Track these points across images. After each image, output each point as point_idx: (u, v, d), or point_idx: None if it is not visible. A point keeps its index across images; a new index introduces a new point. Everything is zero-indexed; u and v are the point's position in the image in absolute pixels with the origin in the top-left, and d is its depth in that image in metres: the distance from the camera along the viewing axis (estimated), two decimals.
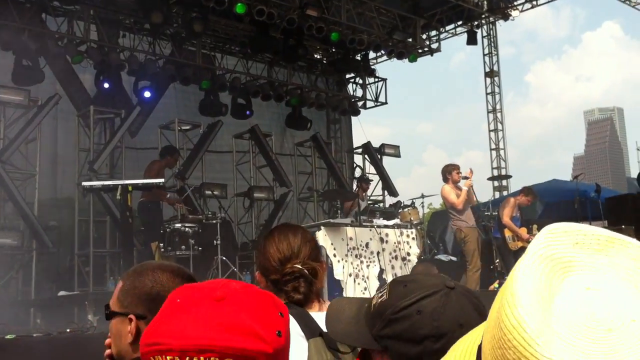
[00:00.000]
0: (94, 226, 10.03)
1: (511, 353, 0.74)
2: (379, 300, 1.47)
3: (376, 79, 15.45)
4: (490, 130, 18.07)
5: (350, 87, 15.76)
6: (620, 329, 0.73)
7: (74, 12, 11.03)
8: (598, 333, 0.73)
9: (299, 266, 2.41)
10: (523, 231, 10.59)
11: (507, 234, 10.69)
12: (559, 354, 0.71)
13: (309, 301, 2.41)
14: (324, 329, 2.25)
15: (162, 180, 9.47)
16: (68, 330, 7.39)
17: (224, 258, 9.45)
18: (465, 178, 10.03)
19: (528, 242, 9.02)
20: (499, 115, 17.89)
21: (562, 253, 0.80)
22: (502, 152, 18.02)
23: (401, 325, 1.41)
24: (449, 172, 10.18)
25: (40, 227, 9.43)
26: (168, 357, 1.04)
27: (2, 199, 9.37)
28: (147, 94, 11.74)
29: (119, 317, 2.04)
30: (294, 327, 2.28)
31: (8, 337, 6.24)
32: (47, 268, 9.21)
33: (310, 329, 2.28)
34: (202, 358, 1.02)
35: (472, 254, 9.87)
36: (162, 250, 9.19)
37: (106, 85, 11.13)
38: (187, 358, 1.03)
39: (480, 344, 0.87)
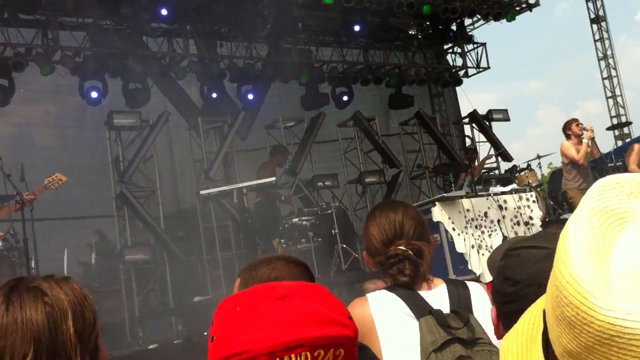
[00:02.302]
0: (217, 231, 10.41)
1: (569, 310, 0.72)
2: None
3: (475, 45, 15.06)
4: (603, 78, 17.19)
5: (449, 57, 15.43)
6: None
7: (172, 31, 11.51)
8: None
9: (403, 247, 2.36)
10: None
11: None
12: (618, 305, 0.68)
13: (416, 283, 2.38)
14: (434, 307, 2.30)
15: (273, 178, 9.73)
16: (205, 333, 7.79)
17: (345, 246, 9.55)
18: (585, 130, 9.68)
19: None
20: (611, 61, 16.97)
21: (616, 204, 0.76)
22: (619, 98, 17.09)
23: (504, 261, 1.54)
24: (568, 127, 9.83)
25: (168, 239, 9.93)
26: None
27: (131, 217, 9.94)
28: (250, 97, 12.06)
29: None
30: (402, 307, 2.31)
31: (150, 347, 6.66)
32: (181, 277, 9.67)
33: (419, 308, 2.28)
34: (292, 356, 0.97)
35: None
36: (284, 245, 9.45)
37: (214, 95, 11.52)
38: (278, 359, 0.97)
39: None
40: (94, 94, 10.28)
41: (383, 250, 2.40)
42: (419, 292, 2.37)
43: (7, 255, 7.28)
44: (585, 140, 9.58)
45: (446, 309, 2.29)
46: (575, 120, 9.88)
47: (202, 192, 9.65)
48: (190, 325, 8.72)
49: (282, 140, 11.80)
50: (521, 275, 1.46)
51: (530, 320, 0.93)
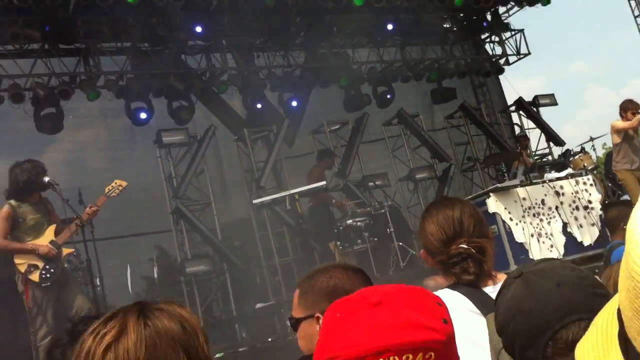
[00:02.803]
0: (274, 238, 10.49)
1: None
2: None
3: (513, 32, 14.85)
4: None
5: (488, 47, 15.23)
6: None
7: (209, 47, 11.61)
8: None
9: (465, 246, 2.34)
10: None
11: None
12: None
13: (481, 280, 2.36)
14: None
15: (324, 182, 9.76)
16: (269, 339, 7.81)
17: (401, 244, 9.51)
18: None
19: None
20: None
21: None
22: None
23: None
24: (625, 110, 9.54)
25: (227, 249, 10.08)
26: None
27: (188, 230, 10.08)
28: (294, 104, 12.12)
29: (305, 321, 2.09)
30: (468, 305, 2.29)
31: (217, 355, 6.70)
32: (241, 285, 9.81)
33: (485, 305, 2.25)
34: None
35: (633, 195, 9.20)
36: (340, 248, 9.42)
37: (258, 106, 11.64)
38: None
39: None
40: (143, 115, 10.46)
41: (444, 250, 2.38)
42: (484, 288, 2.34)
43: (74, 275, 7.47)
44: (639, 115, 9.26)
45: None
46: (634, 105, 9.51)
47: (255, 201, 9.70)
48: (254, 332, 8.78)
49: (329, 143, 11.82)
50: (499, 313, 1.54)
51: (603, 323, 0.89)
